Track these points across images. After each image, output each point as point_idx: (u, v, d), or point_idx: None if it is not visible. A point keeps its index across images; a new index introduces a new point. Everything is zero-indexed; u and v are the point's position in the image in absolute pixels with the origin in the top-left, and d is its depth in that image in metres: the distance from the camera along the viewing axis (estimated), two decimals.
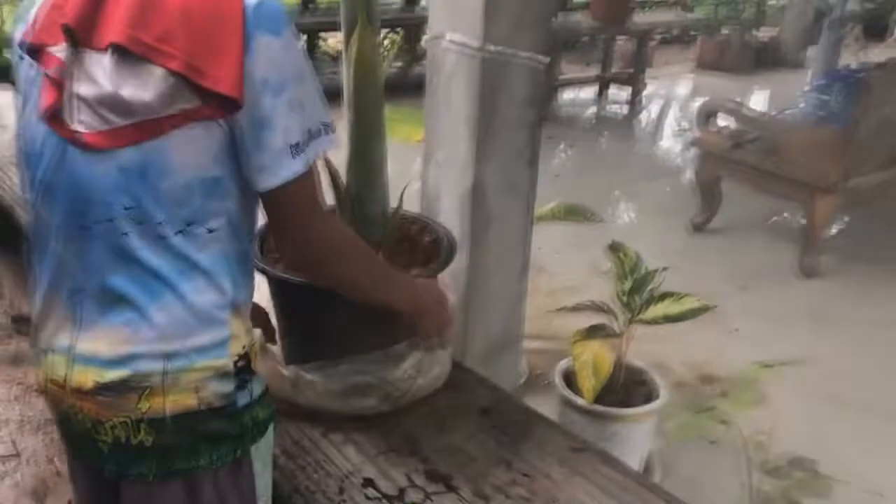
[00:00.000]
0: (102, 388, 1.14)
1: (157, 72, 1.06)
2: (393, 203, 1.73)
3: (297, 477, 1.50)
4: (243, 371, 1.21)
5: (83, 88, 1.09)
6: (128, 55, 1.07)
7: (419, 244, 1.70)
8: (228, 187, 1.14)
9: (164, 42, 1.07)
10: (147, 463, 1.18)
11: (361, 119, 1.60)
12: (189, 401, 1.16)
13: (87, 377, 1.14)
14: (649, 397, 2.08)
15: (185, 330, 1.15)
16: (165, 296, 1.14)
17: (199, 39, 1.08)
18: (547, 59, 1.84)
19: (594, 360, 1.89)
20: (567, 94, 7.29)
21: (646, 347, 2.28)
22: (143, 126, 1.07)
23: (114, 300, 1.14)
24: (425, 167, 1.98)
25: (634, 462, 2.12)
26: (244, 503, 1.26)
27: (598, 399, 1.96)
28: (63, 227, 1.15)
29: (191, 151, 1.11)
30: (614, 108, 7.19)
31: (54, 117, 1.10)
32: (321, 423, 1.64)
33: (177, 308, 1.15)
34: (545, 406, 2.30)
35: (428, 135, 1.95)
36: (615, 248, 2.08)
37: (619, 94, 7.22)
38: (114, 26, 1.07)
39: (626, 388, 2.10)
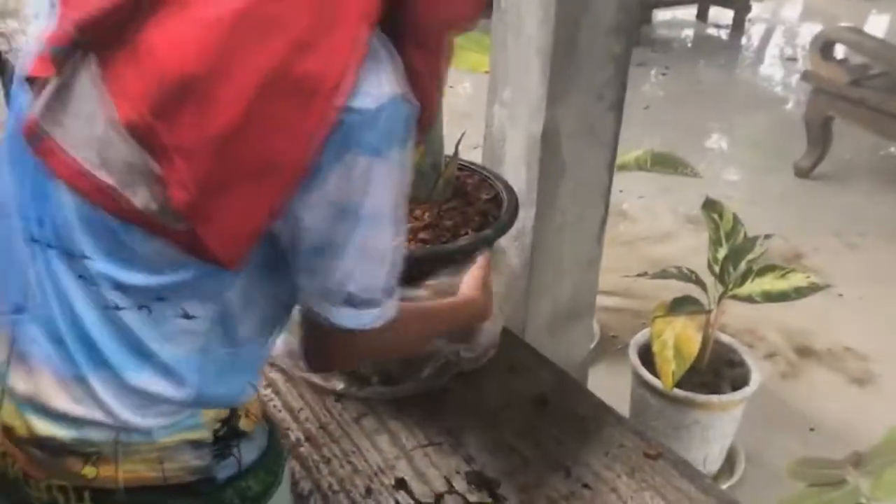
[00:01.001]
0: (36, 442, 0.90)
1: (152, 178, 0.79)
2: (448, 151, 1.48)
3: (321, 471, 1.30)
4: (227, 437, 0.96)
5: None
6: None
7: (475, 202, 1.44)
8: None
9: (178, 152, 0.77)
10: None
11: None
12: (150, 473, 0.90)
13: (19, 422, 0.89)
14: (739, 381, 1.80)
15: (135, 408, 0.89)
16: (105, 370, 0.89)
17: (232, 174, 0.80)
18: None
19: (677, 340, 1.61)
20: (663, 15, 6.74)
21: (736, 310, 1.99)
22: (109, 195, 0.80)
23: (59, 343, 0.89)
24: (489, 106, 1.70)
25: (715, 451, 1.87)
26: None
27: (680, 380, 1.69)
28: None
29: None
30: (714, 31, 6.61)
31: None
32: (353, 405, 1.43)
33: (120, 387, 0.89)
34: (617, 378, 2.06)
35: (493, 68, 1.66)
36: (710, 207, 1.77)
37: (720, 15, 6.63)
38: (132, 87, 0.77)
39: (714, 369, 1.82)
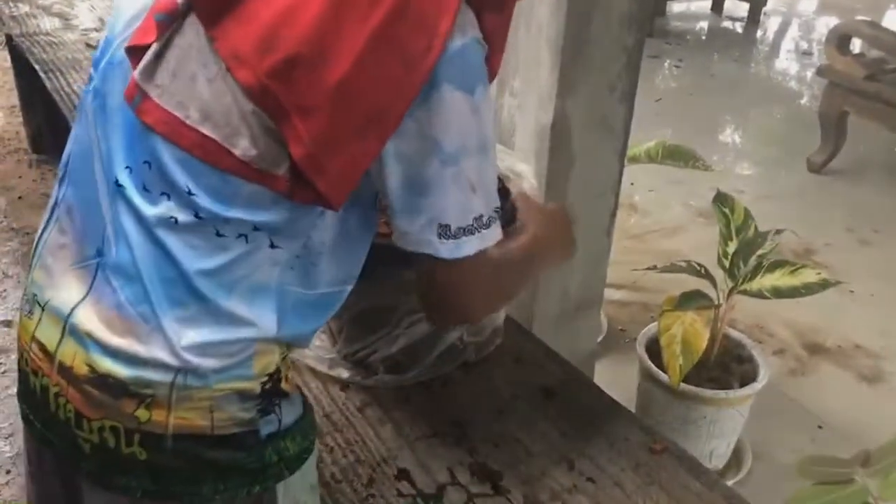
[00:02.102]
0: (95, 380, 0.91)
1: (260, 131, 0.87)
2: None
3: (323, 460, 1.30)
4: (271, 393, 0.97)
5: None
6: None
7: None
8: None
9: (299, 112, 0.84)
10: (136, 478, 0.95)
11: None
12: (199, 421, 0.92)
13: (80, 359, 0.92)
14: (748, 377, 1.78)
15: (202, 348, 0.91)
16: (188, 306, 0.90)
17: (343, 128, 0.86)
18: None
19: (685, 335, 1.60)
20: (678, 7, 6.69)
21: (745, 305, 1.97)
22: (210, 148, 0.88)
23: (134, 281, 0.91)
24: (499, 96, 1.69)
25: (722, 447, 1.86)
26: None
27: (687, 375, 1.68)
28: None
29: None
30: (730, 24, 6.56)
31: None
32: (357, 394, 1.42)
33: (197, 323, 0.90)
34: (624, 371, 2.05)
35: (517, 58, 1.64)
36: (721, 200, 1.75)
37: (736, 7, 6.57)
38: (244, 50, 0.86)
39: (722, 364, 1.80)
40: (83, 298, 0.92)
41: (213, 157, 0.86)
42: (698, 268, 1.77)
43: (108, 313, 0.89)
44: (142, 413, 0.90)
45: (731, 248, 1.69)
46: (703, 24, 6.57)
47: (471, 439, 1.34)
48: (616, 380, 2.01)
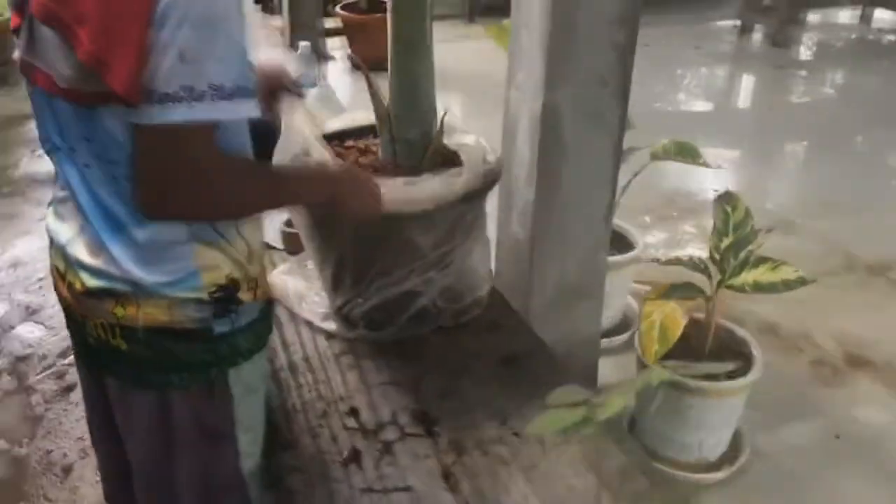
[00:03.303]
0: (86, 293, 1.18)
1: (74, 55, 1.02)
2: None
3: (291, 394, 1.49)
4: (223, 301, 1.19)
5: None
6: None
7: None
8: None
9: (76, 22, 1.02)
10: (123, 367, 1.22)
11: (401, 27, 1.49)
12: (161, 317, 1.16)
13: (77, 279, 1.19)
14: (743, 370, 1.82)
15: (143, 264, 1.14)
16: (117, 236, 1.14)
17: (107, 16, 1.02)
18: None
19: (663, 321, 1.67)
20: (819, 16, 6.40)
21: (792, 313, 1.94)
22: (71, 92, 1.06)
23: (87, 219, 1.17)
24: (507, 91, 1.82)
25: (711, 439, 1.89)
26: (220, 425, 1.26)
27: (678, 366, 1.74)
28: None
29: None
30: (878, 35, 6.21)
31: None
32: (339, 345, 1.61)
33: (128, 243, 1.14)
34: (626, 362, 2.10)
35: (510, 55, 1.78)
36: (726, 199, 1.80)
37: (888, 18, 6.21)
38: None
39: (716, 357, 1.84)
40: (74, 235, 1.18)
41: (53, 88, 1.06)
42: (698, 262, 1.81)
43: (86, 244, 1.15)
44: (118, 310, 1.15)
45: (725, 242, 1.73)
46: (848, 35, 6.25)
47: (422, 391, 1.49)
48: (625, 367, 2.09)
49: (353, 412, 1.44)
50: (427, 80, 1.56)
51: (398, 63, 1.53)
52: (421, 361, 1.56)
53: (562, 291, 1.89)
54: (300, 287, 1.72)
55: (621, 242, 2.35)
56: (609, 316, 2.31)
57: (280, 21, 4.98)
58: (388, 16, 1.51)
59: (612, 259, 2.17)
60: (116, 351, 1.20)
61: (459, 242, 1.58)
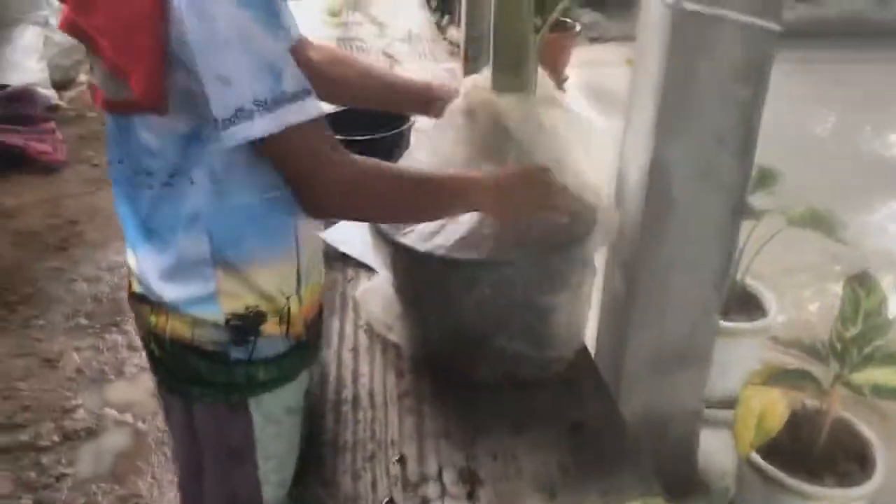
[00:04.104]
0: (133, 296, 1.26)
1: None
2: None
3: (346, 429, 1.48)
4: (241, 330, 1.22)
5: None
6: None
7: None
8: (205, 138, 1.11)
9: (98, 33, 1.07)
10: (159, 370, 1.29)
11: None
12: (185, 333, 1.21)
13: (131, 282, 1.28)
14: (853, 478, 1.60)
15: (167, 279, 1.19)
16: (148, 243, 1.20)
17: (119, 26, 1.05)
18: (776, 27, 1.42)
19: (763, 410, 1.50)
20: None
21: None
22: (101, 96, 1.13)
23: (131, 227, 1.24)
24: (624, 131, 1.71)
25: None
26: (240, 445, 1.29)
27: (791, 462, 1.57)
28: None
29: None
30: None
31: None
32: (407, 383, 1.58)
33: (155, 260, 1.19)
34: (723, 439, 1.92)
35: (629, 94, 1.67)
36: (860, 280, 1.59)
37: None
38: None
39: (831, 455, 1.64)
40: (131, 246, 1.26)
41: (103, 105, 1.12)
42: (819, 346, 1.62)
43: (131, 252, 1.25)
44: (152, 318, 1.22)
45: (852, 331, 1.53)
46: None
47: (476, 447, 1.43)
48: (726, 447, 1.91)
49: (401, 460, 1.40)
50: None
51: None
52: (482, 414, 1.50)
53: (659, 356, 1.75)
54: (380, 307, 1.71)
55: (753, 306, 2.16)
56: (730, 388, 2.10)
57: (457, 33, 5.03)
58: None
59: (737, 326, 2.01)
60: (153, 354, 1.26)
61: (548, 290, 1.50)
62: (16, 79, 5.38)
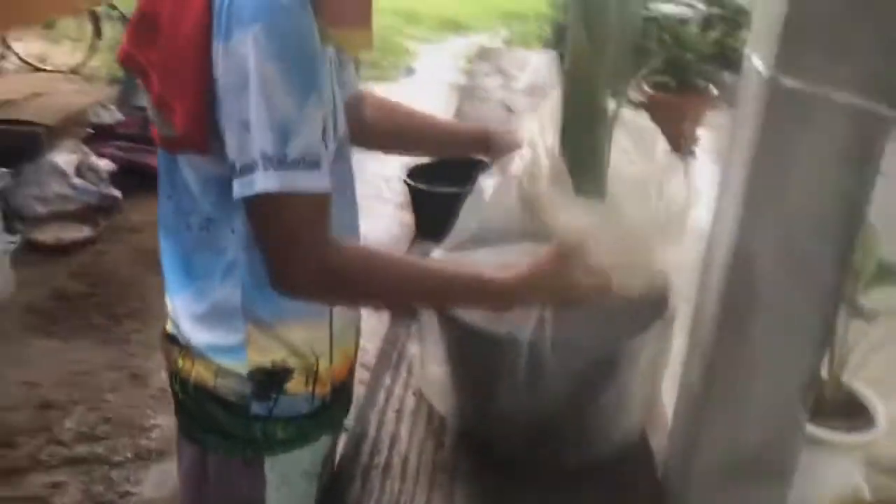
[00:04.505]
0: (165, 335, 1.26)
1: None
2: None
3: (370, 496, 1.40)
4: (264, 385, 1.19)
5: None
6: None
7: None
8: None
9: (150, 65, 1.08)
10: (180, 414, 1.27)
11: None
12: (209, 380, 1.20)
13: (168, 323, 1.28)
14: None
15: (197, 324, 1.18)
16: (182, 290, 1.19)
17: (168, 62, 1.06)
18: (891, 113, 1.25)
19: None
20: None
21: None
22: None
23: (169, 267, 1.24)
24: (716, 202, 1.56)
25: None
26: (248, 502, 1.26)
27: None
28: None
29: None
30: None
31: None
32: (444, 459, 1.49)
33: (189, 303, 1.18)
34: None
35: (723, 168, 1.53)
36: None
37: None
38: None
39: None
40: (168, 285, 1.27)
41: (160, 145, 1.15)
42: None
43: (167, 286, 1.26)
44: (179, 360, 1.22)
45: None
46: None
47: None
48: None
49: None
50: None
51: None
52: (516, 501, 1.38)
53: (734, 463, 1.57)
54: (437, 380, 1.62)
55: (857, 415, 1.92)
56: None
57: None
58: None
59: (832, 436, 1.79)
60: (177, 397, 1.25)
61: (598, 378, 1.38)
62: None
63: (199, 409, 1.23)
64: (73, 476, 2.61)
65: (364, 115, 1.49)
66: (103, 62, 6.98)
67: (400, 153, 1.76)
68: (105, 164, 4.90)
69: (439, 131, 1.57)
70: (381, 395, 1.63)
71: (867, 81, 1.25)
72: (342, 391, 1.37)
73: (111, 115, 5.39)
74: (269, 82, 0.97)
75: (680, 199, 1.40)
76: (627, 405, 1.45)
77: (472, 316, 1.34)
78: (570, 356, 1.33)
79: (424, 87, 5.93)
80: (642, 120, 1.45)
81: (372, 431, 1.55)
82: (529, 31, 10.41)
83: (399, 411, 1.59)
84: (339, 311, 1.26)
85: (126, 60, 1.12)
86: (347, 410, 1.46)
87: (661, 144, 1.42)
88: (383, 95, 1.58)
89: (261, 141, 0.98)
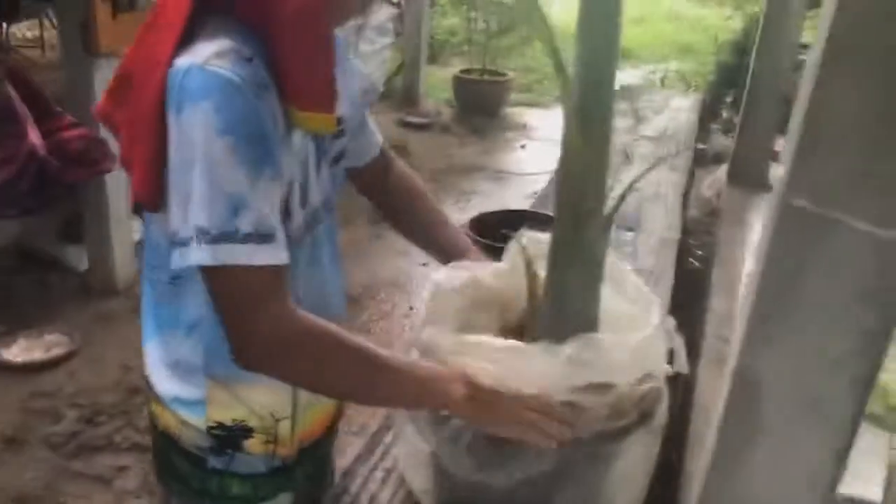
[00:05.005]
0: (145, 379, 1.33)
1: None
2: None
3: None
4: (223, 440, 1.23)
5: None
6: None
7: None
8: None
9: (121, 125, 1.12)
10: (153, 457, 1.34)
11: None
12: (173, 429, 1.25)
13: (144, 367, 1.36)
14: None
15: (165, 374, 1.23)
16: (152, 337, 1.25)
17: (131, 126, 1.10)
18: None
19: None
20: None
21: None
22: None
23: (144, 315, 1.30)
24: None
25: None
26: None
27: None
28: None
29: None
30: None
31: None
32: None
33: (158, 352, 1.24)
34: None
35: (746, 282, 1.41)
36: None
37: None
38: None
39: None
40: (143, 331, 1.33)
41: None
42: None
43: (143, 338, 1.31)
44: (151, 405, 1.28)
45: None
46: None
47: None
48: None
49: None
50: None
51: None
52: None
53: None
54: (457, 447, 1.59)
55: None
56: None
57: (723, 141, 4.68)
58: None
59: None
60: (151, 438, 1.32)
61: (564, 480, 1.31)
62: None
63: (165, 455, 1.29)
64: (138, 462, 2.77)
65: (387, 182, 1.50)
66: None
67: (403, 235, 1.73)
68: None
69: (433, 240, 1.57)
70: (377, 453, 1.62)
71: (882, 205, 1.11)
72: (315, 450, 1.38)
73: None
74: (217, 157, 1.00)
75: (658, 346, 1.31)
76: None
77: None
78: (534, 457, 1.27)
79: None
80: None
81: (354, 489, 1.54)
82: (701, 69, 10.03)
83: (389, 472, 1.58)
84: None
85: (103, 119, 1.19)
86: (324, 467, 1.47)
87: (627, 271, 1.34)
88: (406, 170, 1.60)
89: (198, 215, 1.01)
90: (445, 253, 1.53)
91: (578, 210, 1.24)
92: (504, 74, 9.24)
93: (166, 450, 1.30)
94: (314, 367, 1.12)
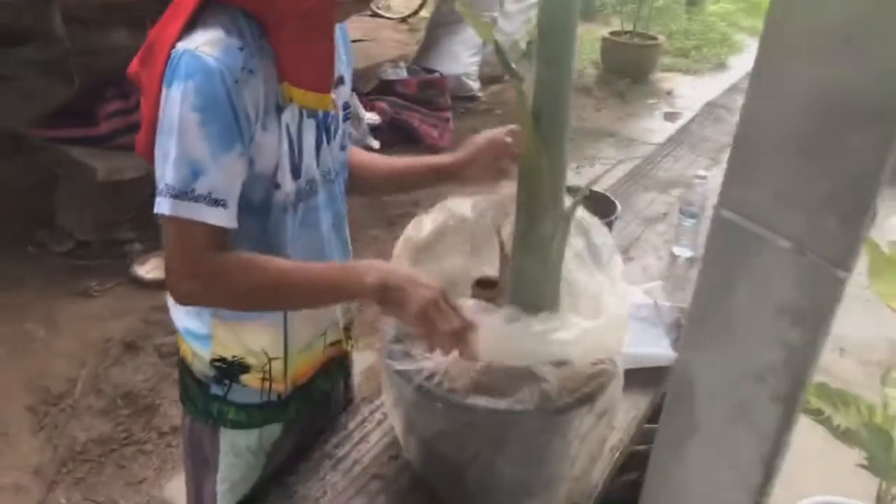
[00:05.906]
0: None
1: None
2: None
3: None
4: (222, 372, 1.45)
5: None
6: None
7: None
8: None
9: (143, 86, 1.30)
10: (179, 381, 1.58)
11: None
12: (188, 357, 1.48)
13: None
14: None
15: (181, 312, 1.45)
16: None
17: (146, 88, 1.28)
18: (842, 273, 1.13)
19: None
20: None
21: None
22: None
23: None
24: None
25: None
26: (207, 461, 1.53)
27: None
28: None
29: None
30: None
31: None
32: (390, 483, 1.61)
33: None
34: None
35: None
36: None
37: None
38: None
39: None
40: None
41: None
42: None
43: None
44: (176, 335, 1.50)
45: None
46: None
47: None
48: None
49: None
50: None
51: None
52: None
53: None
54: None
55: None
56: None
57: None
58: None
59: None
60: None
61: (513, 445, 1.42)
62: (447, 67, 6.17)
63: (182, 378, 1.53)
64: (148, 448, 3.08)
65: (351, 170, 1.64)
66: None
67: (388, 193, 1.87)
68: (371, 116, 5.40)
69: (418, 168, 1.68)
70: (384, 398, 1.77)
71: (817, 236, 1.12)
72: (308, 390, 1.56)
73: (395, 72, 5.86)
74: (188, 129, 1.22)
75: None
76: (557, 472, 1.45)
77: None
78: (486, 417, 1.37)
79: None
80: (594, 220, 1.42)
81: (352, 425, 1.72)
82: None
83: (386, 416, 1.73)
84: (295, 318, 1.43)
85: (134, 77, 1.40)
86: (325, 402, 1.64)
87: (617, 258, 1.38)
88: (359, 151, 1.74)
89: (169, 173, 1.23)
90: (422, 174, 1.67)
91: (534, 207, 1.32)
92: (654, 38, 8.94)
93: (183, 374, 1.54)
94: (238, 292, 1.30)
